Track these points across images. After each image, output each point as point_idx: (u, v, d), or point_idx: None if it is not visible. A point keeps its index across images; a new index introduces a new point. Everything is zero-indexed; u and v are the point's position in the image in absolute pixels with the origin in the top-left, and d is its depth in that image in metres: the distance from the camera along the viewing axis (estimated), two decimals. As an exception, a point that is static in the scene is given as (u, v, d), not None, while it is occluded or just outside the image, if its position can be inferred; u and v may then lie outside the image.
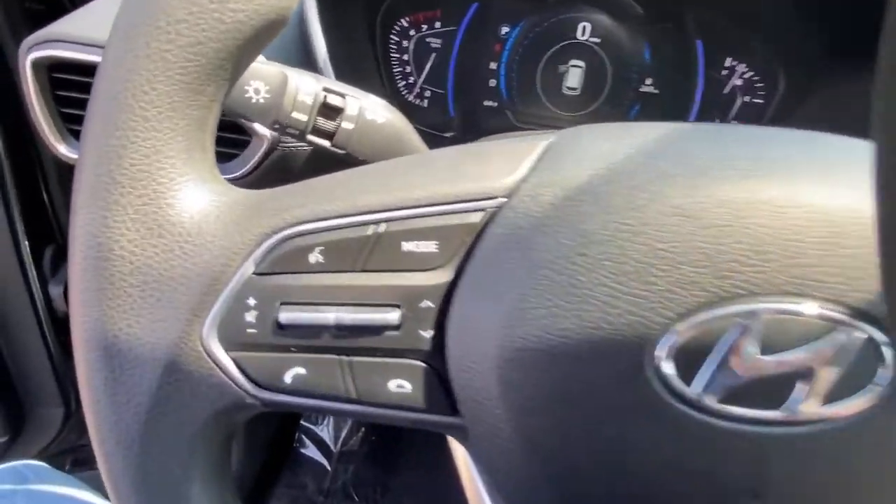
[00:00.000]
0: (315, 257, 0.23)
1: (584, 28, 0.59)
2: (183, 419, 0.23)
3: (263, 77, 0.32)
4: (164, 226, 0.22)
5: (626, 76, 0.60)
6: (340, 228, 0.23)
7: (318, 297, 0.23)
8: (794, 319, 0.19)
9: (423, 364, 0.23)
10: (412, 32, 0.61)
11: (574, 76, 0.60)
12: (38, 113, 0.39)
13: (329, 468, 1.05)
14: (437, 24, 0.61)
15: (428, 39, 0.62)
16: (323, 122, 0.34)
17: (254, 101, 0.32)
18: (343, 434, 1.06)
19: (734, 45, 0.58)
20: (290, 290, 0.23)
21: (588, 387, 0.21)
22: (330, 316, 0.23)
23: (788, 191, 0.20)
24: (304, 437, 1.03)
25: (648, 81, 0.60)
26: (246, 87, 0.32)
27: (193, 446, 0.24)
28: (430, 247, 0.22)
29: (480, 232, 0.22)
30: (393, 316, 0.22)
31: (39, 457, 0.74)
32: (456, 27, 0.61)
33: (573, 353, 0.20)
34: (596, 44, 0.59)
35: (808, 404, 0.20)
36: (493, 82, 0.62)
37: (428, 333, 0.23)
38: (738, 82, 0.59)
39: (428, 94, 0.63)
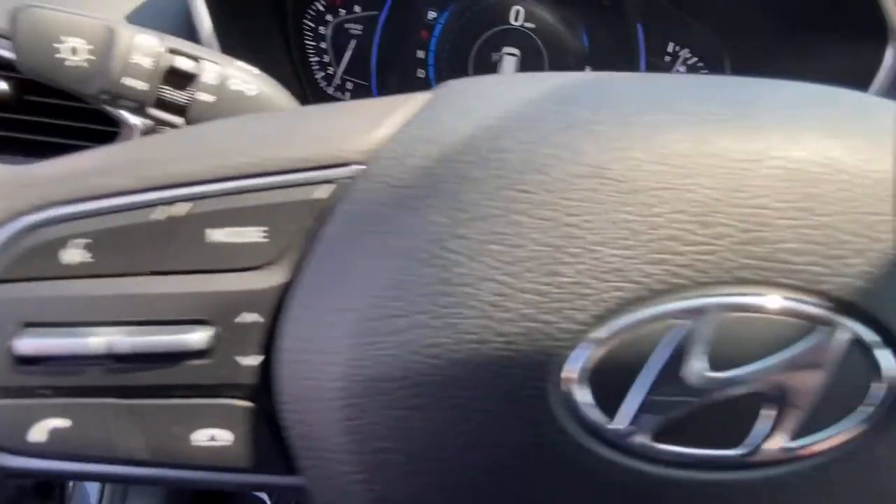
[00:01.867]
0: (76, 255, 0.16)
1: (517, 12, 0.56)
2: None
3: (82, 32, 0.26)
4: None
5: (564, 64, 0.56)
6: (115, 212, 0.16)
7: (81, 314, 0.16)
8: (755, 318, 0.14)
9: (245, 403, 0.17)
10: (329, 17, 0.56)
11: (509, 65, 0.56)
12: None
13: (269, 503, 0.98)
14: (357, 8, 0.56)
15: (347, 25, 0.56)
16: (171, 93, 0.28)
17: (69, 63, 0.26)
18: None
19: (676, 29, 0.55)
20: (38, 305, 0.16)
21: (473, 427, 0.15)
22: (98, 341, 0.16)
23: (747, 141, 0.15)
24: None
25: (587, 69, 0.56)
26: (56, 46, 0.26)
27: None
28: (254, 235, 0.16)
29: (327, 212, 0.16)
30: (198, 337, 0.16)
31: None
32: (378, 11, 0.56)
33: (449, 380, 0.15)
34: (531, 30, 0.56)
35: (775, 438, 0.15)
36: (421, 73, 0.58)
37: (251, 360, 0.17)
38: (682, 69, 0.55)
39: (350, 85, 0.58)
